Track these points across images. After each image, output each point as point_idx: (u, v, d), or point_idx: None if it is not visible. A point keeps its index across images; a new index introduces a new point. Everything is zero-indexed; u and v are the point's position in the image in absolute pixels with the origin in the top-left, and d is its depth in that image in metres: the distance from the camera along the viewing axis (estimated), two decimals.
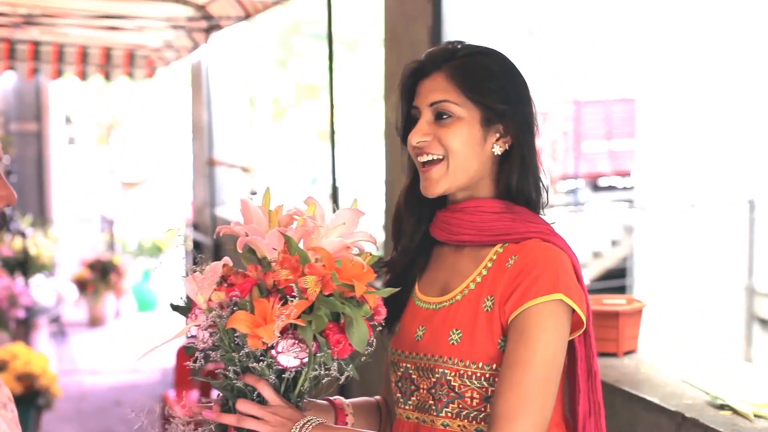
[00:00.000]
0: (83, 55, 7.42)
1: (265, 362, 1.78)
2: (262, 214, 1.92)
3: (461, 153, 1.97)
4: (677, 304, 12.06)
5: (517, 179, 2.00)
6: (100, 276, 11.19)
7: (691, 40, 11.92)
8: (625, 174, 19.54)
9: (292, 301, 1.75)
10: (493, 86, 1.98)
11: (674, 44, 12.25)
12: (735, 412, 2.44)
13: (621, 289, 13.92)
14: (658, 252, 12.71)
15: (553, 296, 1.87)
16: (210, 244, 8.07)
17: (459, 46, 2.04)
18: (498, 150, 1.99)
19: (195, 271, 1.91)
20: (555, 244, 1.95)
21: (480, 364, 1.91)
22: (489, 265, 1.97)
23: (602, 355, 2.96)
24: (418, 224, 2.10)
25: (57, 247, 11.31)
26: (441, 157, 1.97)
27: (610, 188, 20.25)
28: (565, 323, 1.90)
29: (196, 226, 8.82)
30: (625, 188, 19.33)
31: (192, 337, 1.90)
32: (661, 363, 2.94)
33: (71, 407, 7.93)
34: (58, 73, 7.45)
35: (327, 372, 1.81)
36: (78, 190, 17.33)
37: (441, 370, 1.93)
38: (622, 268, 15.06)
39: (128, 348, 10.22)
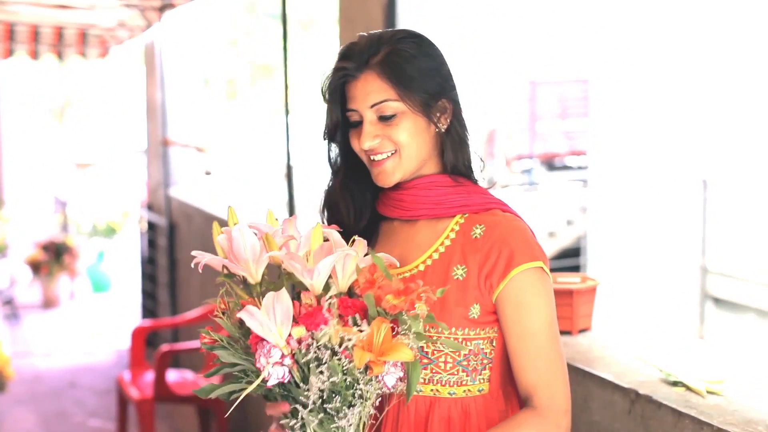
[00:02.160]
0: (35, 34, 7.34)
1: (372, 386, 1.77)
2: (247, 242, 1.86)
3: (411, 144, 2.04)
4: (631, 282, 12.14)
5: (457, 153, 2.09)
6: (53, 257, 11.09)
7: (644, 19, 11.98)
8: (579, 154, 19.65)
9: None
10: (422, 71, 2.04)
11: (628, 24, 12.30)
12: (688, 388, 2.47)
13: (575, 269, 14.00)
14: (612, 231, 12.80)
15: (536, 263, 2.00)
16: (165, 225, 8.03)
17: (377, 39, 2.06)
18: (443, 127, 2.07)
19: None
20: (514, 215, 2.10)
21: (453, 329, 2.00)
22: (451, 235, 2.06)
23: None
24: (363, 207, 2.17)
25: (9, 229, 11.21)
26: (393, 151, 2.04)
27: (565, 168, 20.36)
28: (551, 286, 2.05)
29: (150, 207, 8.78)
30: (579, 168, 19.44)
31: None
32: (614, 341, 2.96)
33: (25, 390, 7.87)
34: (9, 53, 7.36)
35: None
36: (31, 170, 17.19)
37: None
38: (576, 247, 15.14)
39: (82, 330, 10.15)
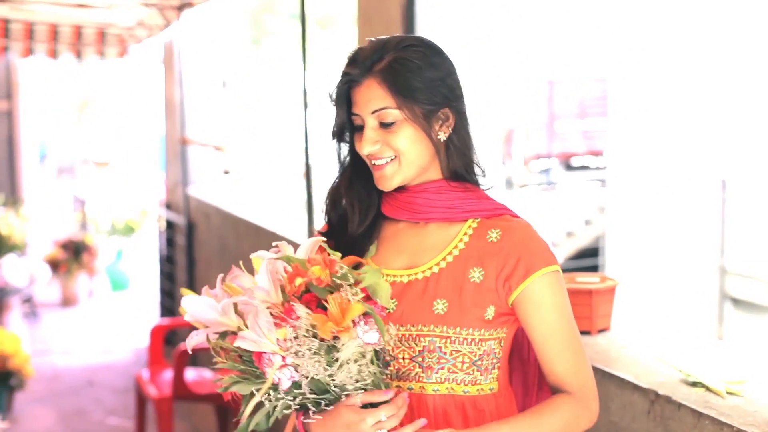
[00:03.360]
0: (54, 33, 7.35)
1: (359, 352, 1.88)
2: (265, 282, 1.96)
3: (411, 151, 2.09)
4: (650, 283, 12.10)
5: (457, 160, 2.14)
6: (72, 256, 11.13)
7: (664, 18, 11.94)
8: (597, 153, 19.61)
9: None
10: (425, 81, 2.07)
11: (647, 23, 12.26)
12: (707, 389, 2.46)
13: (594, 269, 13.97)
14: (630, 231, 12.75)
15: (554, 267, 2.09)
16: (183, 224, 8.04)
17: (382, 46, 2.10)
18: (443, 136, 2.11)
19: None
20: (524, 220, 2.17)
21: (470, 330, 2.07)
22: (465, 239, 2.12)
23: None
24: (369, 207, 2.21)
25: (29, 227, 11.25)
26: (393, 157, 2.09)
27: (583, 168, 20.31)
28: (565, 286, 2.14)
29: (169, 206, 8.79)
30: (597, 168, 19.39)
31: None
32: (634, 341, 2.95)
33: (44, 388, 7.90)
34: (29, 51, 7.38)
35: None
36: (50, 169, 17.25)
37: (428, 338, 2.06)
38: (595, 247, 15.11)
39: (101, 328, 10.18)
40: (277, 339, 1.86)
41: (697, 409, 2.34)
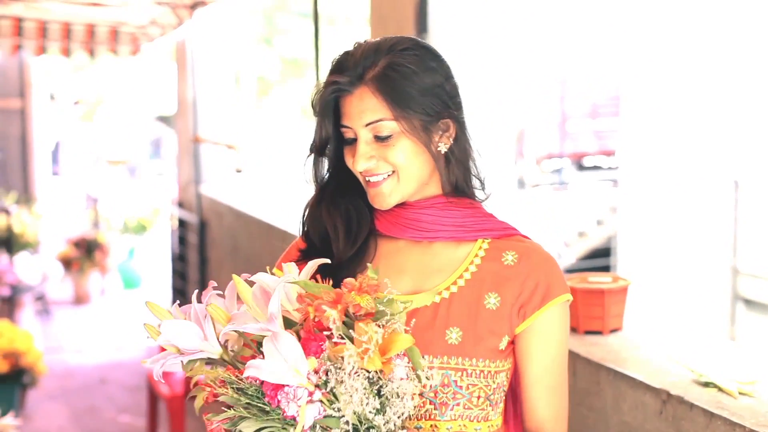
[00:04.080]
0: (67, 32, 7.37)
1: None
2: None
3: (410, 165, 1.88)
4: (662, 283, 12.08)
5: (462, 173, 1.95)
6: (85, 254, 11.16)
7: (676, 18, 11.92)
8: (609, 153, 19.57)
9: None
10: (422, 89, 1.87)
11: (660, 22, 12.24)
12: (720, 389, 2.45)
13: (606, 269, 13.95)
14: (642, 231, 12.73)
15: (568, 296, 1.94)
16: (195, 222, 8.06)
17: (374, 50, 1.88)
18: (443, 148, 1.92)
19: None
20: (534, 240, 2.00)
21: (486, 361, 1.88)
22: (476, 261, 1.94)
23: (588, 333, 2.97)
24: (359, 228, 1.98)
25: (41, 225, 11.30)
26: (390, 172, 1.89)
27: (595, 168, 20.28)
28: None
29: (181, 204, 8.81)
30: (610, 168, 19.36)
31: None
32: (646, 341, 2.95)
33: (56, 385, 7.92)
34: (42, 50, 7.40)
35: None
36: (62, 167, 17.29)
37: (441, 371, 1.86)
38: (606, 247, 15.08)
39: (113, 326, 10.20)
40: (310, 371, 1.60)
41: (709, 410, 2.33)
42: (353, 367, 1.59)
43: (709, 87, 11.59)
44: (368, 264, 1.88)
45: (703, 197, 11.70)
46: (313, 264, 1.78)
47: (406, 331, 1.67)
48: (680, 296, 11.86)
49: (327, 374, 1.60)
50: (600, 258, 14.76)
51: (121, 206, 13.48)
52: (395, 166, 1.87)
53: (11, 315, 9.38)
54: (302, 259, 1.93)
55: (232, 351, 1.76)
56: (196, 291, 1.84)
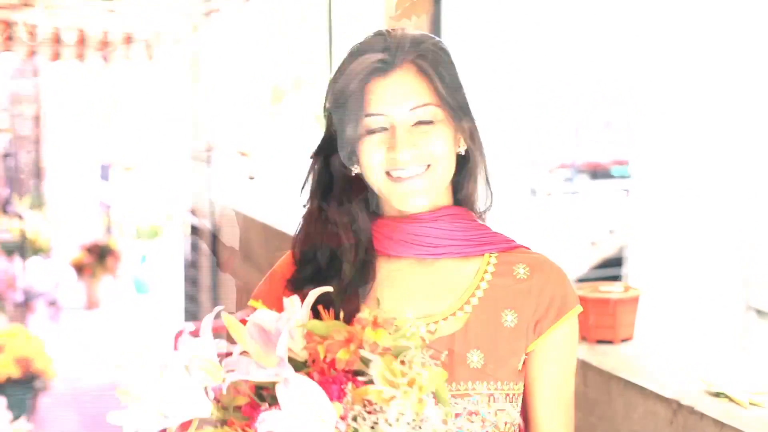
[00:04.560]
0: (82, 38, 7.41)
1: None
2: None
3: (445, 160, 1.71)
4: (674, 293, 12.07)
5: (472, 182, 1.81)
6: (97, 259, 11.19)
7: (691, 29, 11.91)
8: (623, 163, 19.56)
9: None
10: (456, 81, 1.73)
11: (675, 32, 12.24)
12: (731, 399, 2.45)
13: (617, 278, 13.92)
14: (654, 241, 12.72)
15: (579, 308, 1.80)
16: (207, 229, 8.07)
17: (408, 35, 1.72)
18: (461, 150, 1.76)
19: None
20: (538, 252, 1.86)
21: (509, 384, 1.74)
22: (487, 277, 1.78)
23: (598, 342, 2.97)
24: (361, 241, 1.76)
25: (54, 230, 11.32)
26: (426, 167, 1.69)
27: (608, 176, 20.27)
28: None
29: (193, 211, 8.83)
30: (622, 177, 19.34)
31: None
32: (657, 350, 2.94)
33: (67, 390, 7.93)
34: (57, 56, 7.44)
35: None
36: (75, 173, 17.31)
37: (467, 398, 1.69)
38: (618, 257, 15.06)
39: (125, 332, 10.21)
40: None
41: (720, 420, 2.33)
42: (397, 414, 1.40)
43: (722, 98, 11.58)
44: (377, 297, 1.70)
45: (715, 207, 11.69)
46: (313, 295, 1.54)
47: (435, 365, 1.50)
48: (691, 306, 11.84)
49: (355, 420, 1.41)
50: (612, 267, 14.73)
51: (133, 212, 13.51)
52: (433, 159, 1.69)
53: (23, 320, 9.40)
54: (292, 288, 1.72)
55: (219, 402, 1.54)
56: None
